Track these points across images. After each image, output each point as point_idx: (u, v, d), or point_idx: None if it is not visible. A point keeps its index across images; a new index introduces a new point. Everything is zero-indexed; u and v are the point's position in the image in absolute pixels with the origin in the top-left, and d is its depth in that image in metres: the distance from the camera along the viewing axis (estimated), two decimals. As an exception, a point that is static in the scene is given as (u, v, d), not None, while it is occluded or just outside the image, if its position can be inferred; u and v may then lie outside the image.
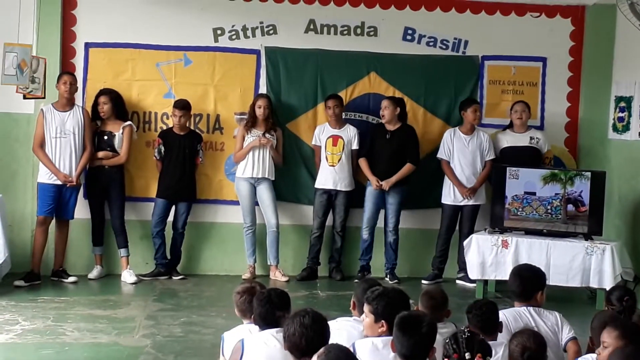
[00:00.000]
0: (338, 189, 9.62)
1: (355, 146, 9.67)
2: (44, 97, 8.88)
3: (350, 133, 9.66)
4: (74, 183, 9.07)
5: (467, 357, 3.90)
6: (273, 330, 4.67)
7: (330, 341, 4.26)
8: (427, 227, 9.91)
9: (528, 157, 9.45)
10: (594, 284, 8.68)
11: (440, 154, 9.67)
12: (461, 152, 9.60)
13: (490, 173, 9.56)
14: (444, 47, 9.95)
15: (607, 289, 8.09)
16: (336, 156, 9.62)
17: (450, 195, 9.64)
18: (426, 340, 4.15)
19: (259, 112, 9.45)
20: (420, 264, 9.92)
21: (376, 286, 4.90)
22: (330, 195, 9.65)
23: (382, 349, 4.50)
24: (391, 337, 4.28)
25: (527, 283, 5.54)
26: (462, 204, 9.60)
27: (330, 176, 9.62)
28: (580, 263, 8.67)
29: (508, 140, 9.60)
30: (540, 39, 9.99)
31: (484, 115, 9.93)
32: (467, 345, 3.94)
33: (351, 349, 4.49)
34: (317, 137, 9.70)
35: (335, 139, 9.64)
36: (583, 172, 9.06)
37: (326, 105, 9.63)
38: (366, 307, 4.70)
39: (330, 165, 9.62)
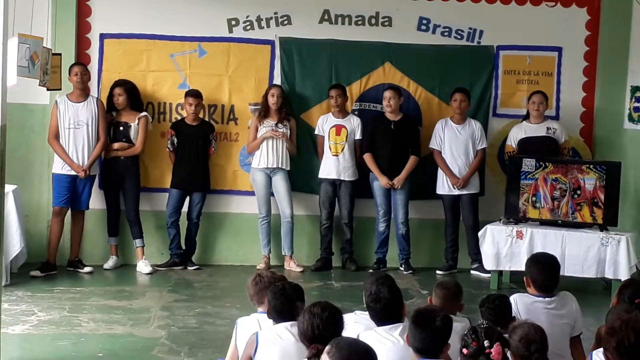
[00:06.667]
0: (342, 178, 9.59)
1: (358, 136, 9.64)
2: (60, 89, 8.85)
3: (353, 123, 9.63)
4: (85, 174, 9.06)
5: (486, 345, 3.86)
6: (287, 324, 4.68)
7: (347, 334, 4.31)
8: (439, 217, 9.86)
9: (546, 147, 9.36)
10: (609, 275, 8.63)
11: (432, 144, 9.63)
12: (453, 142, 9.56)
13: (482, 162, 9.61)
14: (459, 37, 9.91)
15: (622, 279, 8.10)
16: (340, 145, 9.59)
17: (444, 186, 9.62)
18: (440, 335, 4.15)
19: (272, 100, 9.44)
20: (436, 254, 9.88)
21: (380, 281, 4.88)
22: (335, 185, 9.64)
23: (385, 335, 4.59)
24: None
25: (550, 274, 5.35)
26: (457, 193, 9.58)
27: (333, 166, 9.59)
28: (596, 254, 8.63)
29: (525, 131, 9.51)
30: (555, 29, 9.92)
31: (499, 106, 9.90)
32: (486, 334, 3.91)
33: None
34: (320, 127, 9.66)
35: (338, 128, 9.61)
36: (598, 163, 9.02)
37: (329, 95, 9.61)
38: None
39: (333, 155, 9.59)
